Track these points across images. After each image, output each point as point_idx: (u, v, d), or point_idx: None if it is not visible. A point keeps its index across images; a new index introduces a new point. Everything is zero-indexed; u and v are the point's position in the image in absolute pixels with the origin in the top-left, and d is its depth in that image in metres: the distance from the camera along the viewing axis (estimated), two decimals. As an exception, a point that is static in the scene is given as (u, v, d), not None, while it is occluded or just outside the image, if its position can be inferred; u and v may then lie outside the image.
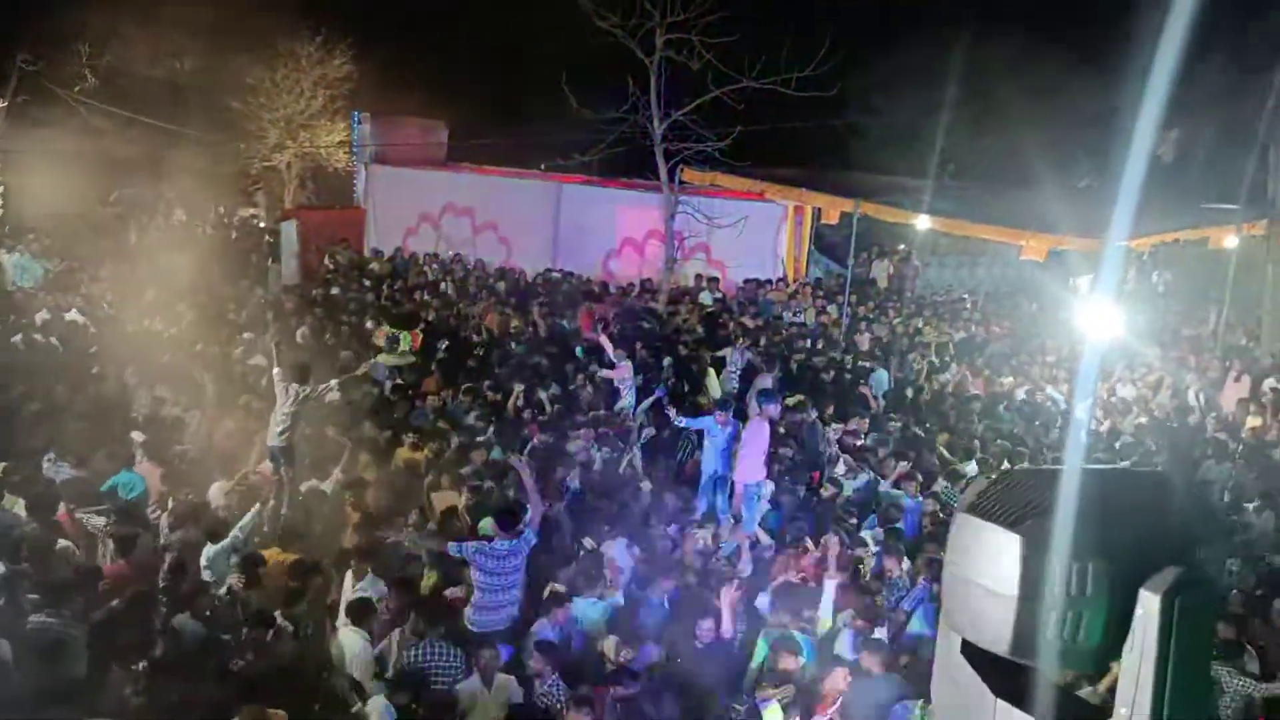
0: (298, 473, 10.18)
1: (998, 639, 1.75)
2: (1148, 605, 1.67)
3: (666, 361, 14.43)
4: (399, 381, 13.34)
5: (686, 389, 13.80)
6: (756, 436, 10.27)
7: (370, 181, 23.80)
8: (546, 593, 7.75)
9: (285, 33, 26.94)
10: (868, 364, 15.75)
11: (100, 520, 8.54)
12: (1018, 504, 1.77)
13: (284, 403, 10.14)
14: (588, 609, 7.72)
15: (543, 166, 23.83)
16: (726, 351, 14.76)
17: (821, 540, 8.60)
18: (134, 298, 17.08)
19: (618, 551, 8.57)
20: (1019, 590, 1.70)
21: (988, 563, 1.76)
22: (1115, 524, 1.73)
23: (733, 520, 9.95)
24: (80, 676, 6.39)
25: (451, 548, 7.61)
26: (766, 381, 13.02)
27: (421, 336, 14.79)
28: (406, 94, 31.40)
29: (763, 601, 7.85)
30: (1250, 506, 10.88)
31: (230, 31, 24.15)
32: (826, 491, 10.50)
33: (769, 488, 10.22)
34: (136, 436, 10.09)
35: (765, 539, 9.44)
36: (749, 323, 17.01)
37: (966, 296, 22.47)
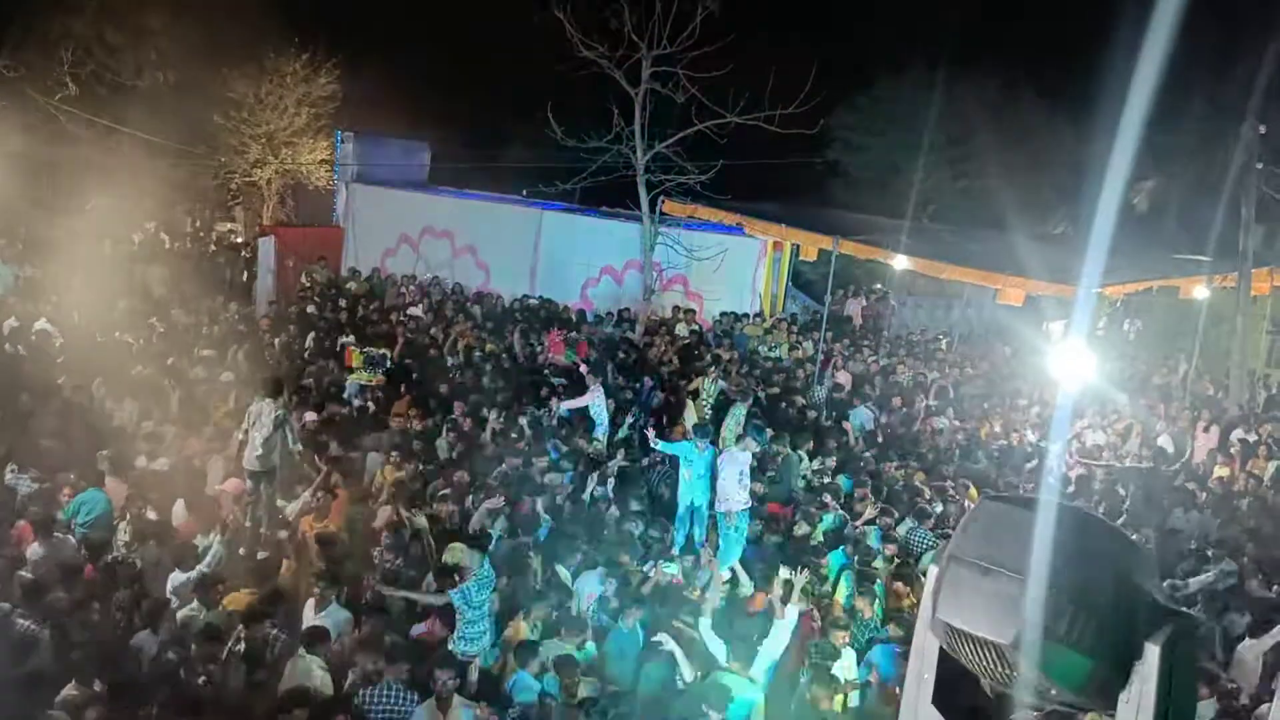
0: (275, 493, 10.05)
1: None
2: (1149, 656, 1.71)
3: (649, 384, 14.42)
4: (367, 403, 13.26)
5: (665, 418, 13.78)
6: (733, 465, 10.25)
7: (350, 200, 23.74)
8: (514, 631, 7.71)
9: (272, 49, 26.96)
10: (842, 398, 15.82)
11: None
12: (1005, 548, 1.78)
13: (260, 422, 9.99)
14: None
15: (524, 192, 23.86)
16: (700, 382, 14.78)
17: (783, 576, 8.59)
18: (105, 308, 16.92)
19: (591, 583, 8.50)
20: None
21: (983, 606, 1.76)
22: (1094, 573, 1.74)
23: (710, 551, 9.91)
24: (47, 671, 6.34)
25: (455, 599, 7.59)
26: (740, 412, 13.04)
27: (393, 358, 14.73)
28: (391, 114, 31.40)
29: (704, 626, 7.75)
30: (1211, 554, 10.94)
31: (217, 45, 24.13)
32: (799, 529, 10.47)
33: (745, 520, 10.15)
34: (102, 454, 9.93)
35: (745, 578, 9.32)
36: (724, 355, 17.04)
37: (942, 337, 22.61)
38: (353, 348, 14.67)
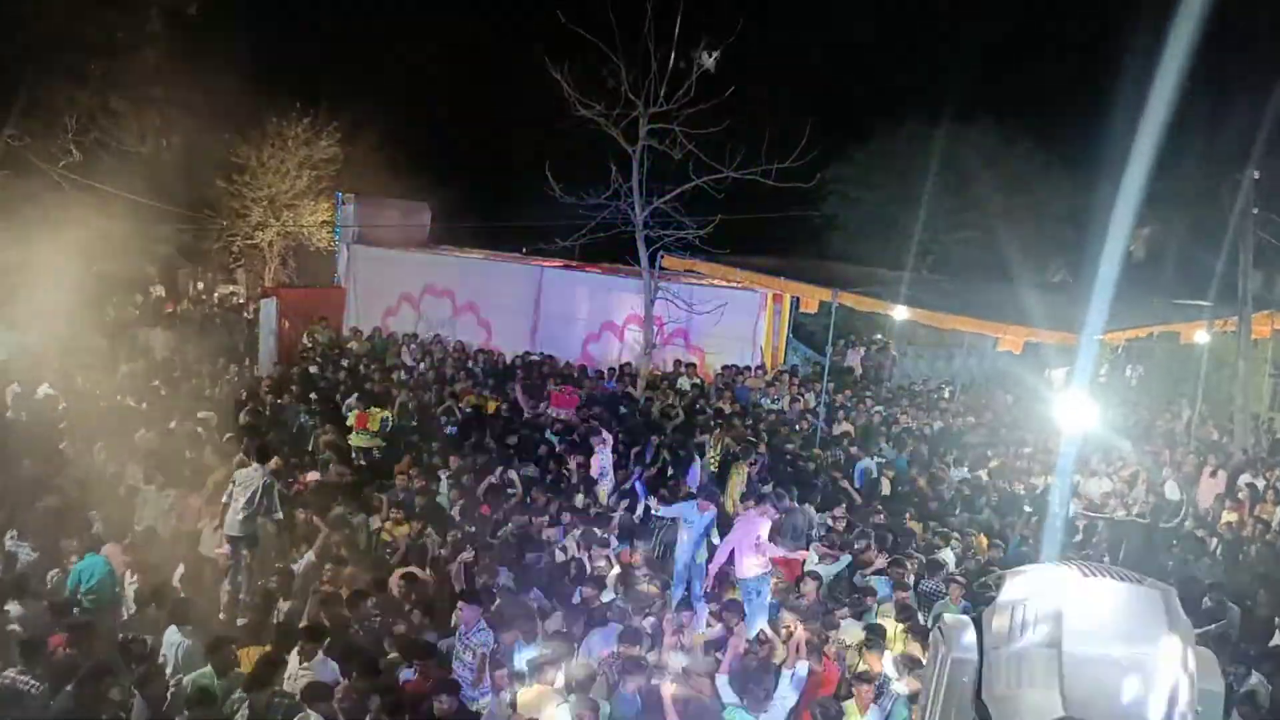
0: (262, 558, 9.95)
1: None
2: None
3: (653, 442, 14.34)
4: (363, 463, 13.24)
5: (670, 474, 13.68)
6: (751, 531, 10.06)
7: (351, 261, 23.87)
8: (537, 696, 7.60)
9: (275, 113, 27.32)
10: (845, 451, 15.75)
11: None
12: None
13: (244, 486, 9.95)
14: None
15: (524, 250, 24.00)
16: (705, 439, 14.73)
17: (788, 628, 8.49)
18: (107, 373, 16.95)
19: (604, 639, 8.40)
20: None
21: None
22: None
23: (708, 610, 9.79)
24: None
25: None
26: (744, 473, 12.99)
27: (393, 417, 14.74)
28: (391, 176, 31.78)
29: (721, 683, 7.66)
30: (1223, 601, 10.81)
31: (220, 110, 24.43)
32: (806, 586, 10.33)
33: (766, 585, 9.98)
34: (94, 517, 9.86)
35: (770, 632, 9.16)
36: (726, 409, 17.00)
37: (944, 386, 22.58)
38: (363, 411, 14.65)
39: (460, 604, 8.17)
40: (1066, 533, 12.95)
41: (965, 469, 15.82)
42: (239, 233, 27.34)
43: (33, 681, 6.75)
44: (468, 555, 9.49)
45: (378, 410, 14.64)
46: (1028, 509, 14.20)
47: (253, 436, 12.64)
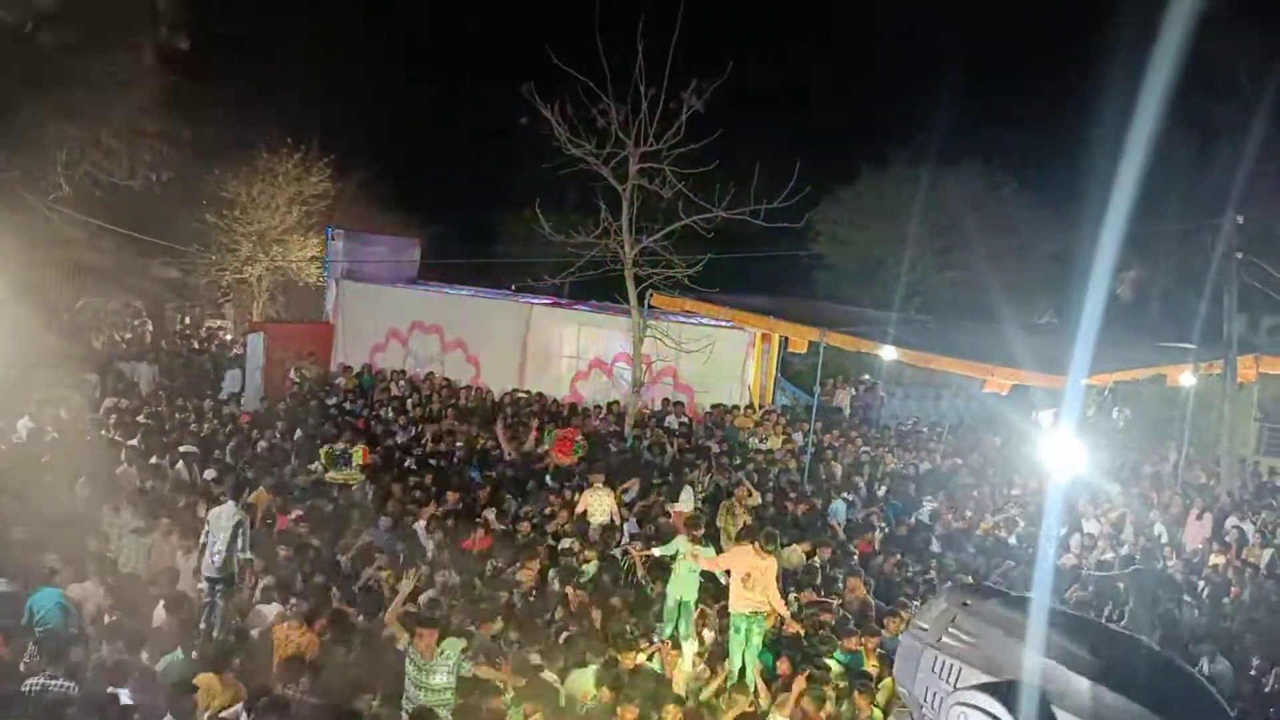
0: (238, 601, 9.83)
1: None
2: None
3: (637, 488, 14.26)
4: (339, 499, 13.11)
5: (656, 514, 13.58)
6: (742, 566, 10.00)
7: (340, 296, 23.85)
8: None
9: (265, 148, 27.41)
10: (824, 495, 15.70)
11: None
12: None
13: (218, 525, 9.86)
14: None
15: (513, 287, 24.02)
16: (693, 477, 14.67)
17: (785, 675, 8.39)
18: (91, 407, 16.85)
19: (583, 681, 8.29)
20: None
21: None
22: None
23: (695, 646, 9.70)
24: None
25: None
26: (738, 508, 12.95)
27: (371, 453, 14.60)
28: (381, 212, 31.90)
29: None
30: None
31: (210, 145, 24.49)
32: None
33: (760, 624, 9.85)
34: (50, 558, 9.70)
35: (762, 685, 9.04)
36: (714, 447, 16.96)
37: (926, 429, 22.58)
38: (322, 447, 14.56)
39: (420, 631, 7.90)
40: (1054, 575, 12.87)
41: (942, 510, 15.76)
42: (228, 267, 27.32)
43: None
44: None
45: (334, 446, 14.55)
46: (1017, 552, 14.16)
47: (230, 473, 12.55)
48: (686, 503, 13.67)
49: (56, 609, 8.66)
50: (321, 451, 14.12)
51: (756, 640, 9.42)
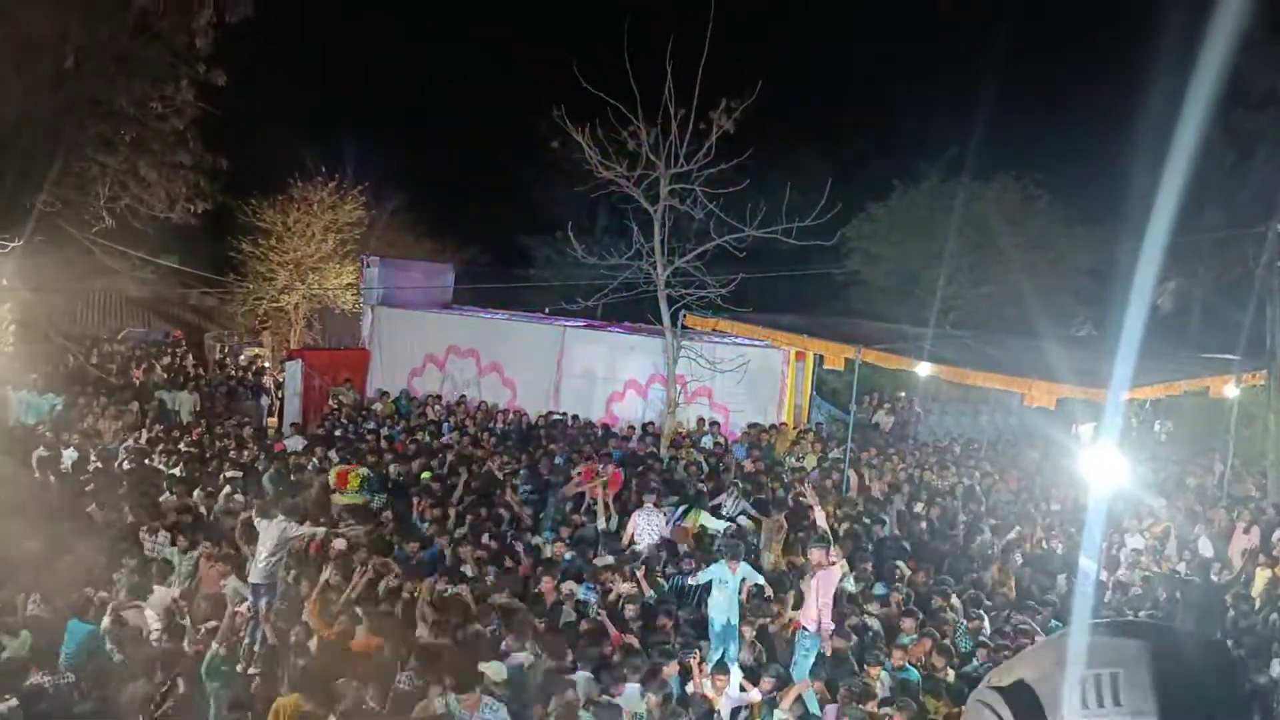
0: (276, 609, 9.96)
1: None
2: None
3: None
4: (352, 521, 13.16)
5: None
6: (830, 582, 10.05)
7: (376, 323, 24.05)
8: None
9: (300, 177, 27.79)
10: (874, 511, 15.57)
11: None
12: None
13: (265, 537, 10.06)
14: None
15: (546, 310, 24.11)
16: (721, 498, 14.58)
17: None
18: (134, 436, 17.08)
19: (630, 699, 8.26)
20: None
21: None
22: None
23: (741, 671, 9.64)
24: None
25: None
26: (777, 525, 12.94)
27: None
28: (415, 239, 32.21)
29: None
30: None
31: (247, 176, 24.85)
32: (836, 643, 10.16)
33: (817, 643, 9.83)
34: (90, 591, 9.82)
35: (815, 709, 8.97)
36: (750, 466, 16.88)
37: (959, 446, 22.34)
38: (343, 469, 14.68)
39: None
40: (1098, 590, 12.70)
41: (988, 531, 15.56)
42: (265, 296, 27.64)
43: None
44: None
45: (355, 468, 14.69)
46: (1059, 568, 13.96)
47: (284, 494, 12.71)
48: (716, 522, 13.61)
49: (86, 640, 8.79)
50: (353, 476, 14.25)
51: (810, 657, 9.56)
